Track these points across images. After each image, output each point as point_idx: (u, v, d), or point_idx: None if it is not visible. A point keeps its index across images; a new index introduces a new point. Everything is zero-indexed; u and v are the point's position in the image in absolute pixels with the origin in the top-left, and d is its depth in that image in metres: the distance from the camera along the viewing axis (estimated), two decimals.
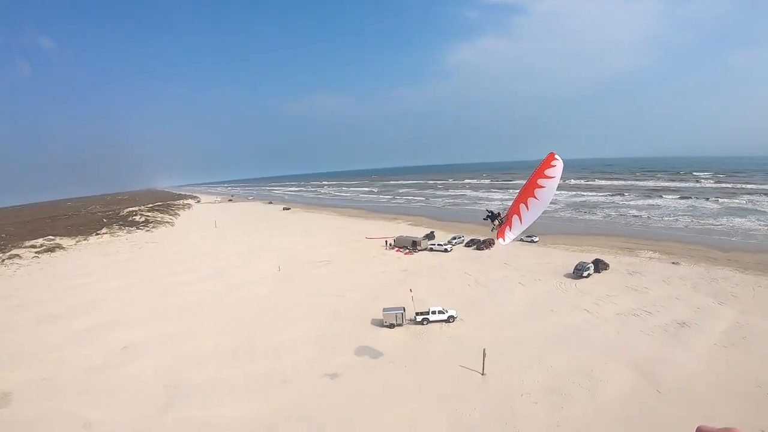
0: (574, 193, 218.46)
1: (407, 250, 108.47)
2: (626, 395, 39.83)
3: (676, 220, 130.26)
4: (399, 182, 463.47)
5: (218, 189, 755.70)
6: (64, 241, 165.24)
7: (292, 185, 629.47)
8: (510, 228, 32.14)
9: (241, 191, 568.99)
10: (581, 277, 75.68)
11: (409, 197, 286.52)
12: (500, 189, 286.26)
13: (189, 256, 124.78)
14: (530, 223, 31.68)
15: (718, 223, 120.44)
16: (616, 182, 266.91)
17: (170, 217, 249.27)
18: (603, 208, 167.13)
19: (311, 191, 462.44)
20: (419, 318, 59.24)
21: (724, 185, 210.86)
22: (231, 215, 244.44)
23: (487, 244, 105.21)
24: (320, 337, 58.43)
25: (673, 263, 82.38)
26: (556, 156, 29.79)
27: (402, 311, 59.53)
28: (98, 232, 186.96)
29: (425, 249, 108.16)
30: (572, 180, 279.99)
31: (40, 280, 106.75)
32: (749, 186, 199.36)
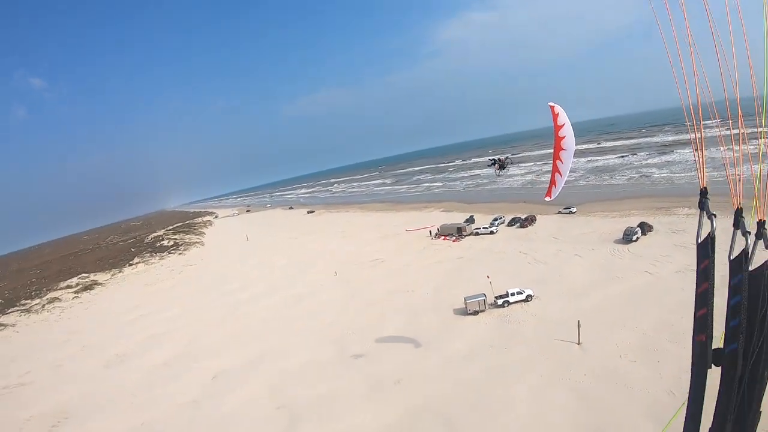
0: (588, 159, 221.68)
1: (454, 237, 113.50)
2: None
3: (696, 174, 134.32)
4: (409, 170, 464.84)
5: (228, 201, 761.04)
6: (99, 277, 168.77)
7: (301, 187, 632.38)
8: (555, 185, 36.97)
9: (254, 200, 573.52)
10: (631, 241, 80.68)
11: (427, 184, 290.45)
12: (512, 164, 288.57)
13: (236, 274, 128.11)
14: (568, 173, 36.77)
15: (739, 172, 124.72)
16: (625, 141, 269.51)
17: (197, 237, 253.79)
18: (623, 170, 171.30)
19: (324, 191, 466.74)
20: (500, 301, 64.39)
21: (735, 131, 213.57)
22: (257, 226, 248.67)
23: (529, 220, 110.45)
24: (412, 335, 62.25)
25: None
26: (552, 104, 34.40)
27: (483, 297, 64.56)
28: (131, 262, 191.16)
29: (471, 234, 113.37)
30: (582, 145, 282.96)
31: (91, 321, 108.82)
32: (760, 129, 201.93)
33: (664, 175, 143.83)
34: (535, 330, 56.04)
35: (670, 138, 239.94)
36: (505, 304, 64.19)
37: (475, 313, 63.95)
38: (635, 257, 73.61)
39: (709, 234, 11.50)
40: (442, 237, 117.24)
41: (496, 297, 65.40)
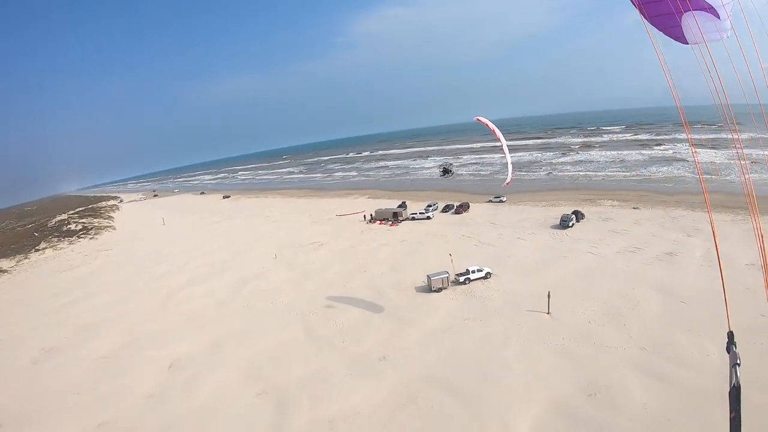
0: (501, 154, 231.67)
1: (391, 222, 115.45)
2: (663, 309, 50.83)
3: (611, 173, 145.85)
4: (317, 159, 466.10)
5: (129, 186, 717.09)
6: (3, 264, 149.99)
7: (205, 174, 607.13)
8: (510, 174, 56.96)
9: (156, 186, 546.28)
10: (567, 227, 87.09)
11: (341, 173, 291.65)
12: (422, 157, 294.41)
13: (164, 258, 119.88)
14: (510, 158, 60.06)
15: (649, 173, 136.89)
16: (535, 141, 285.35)
17: (106, 221, 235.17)
18: (539, 166, 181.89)
19: (230, 177, 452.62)
20: (461, 279, 66.69)
21: (639, 137, 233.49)
22: (171, 210, 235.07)
23: (464, 207, 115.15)
24: (381, 312, 61.44)
25: (634, 208, 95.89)
26: (478, 117, 55.72)
27: (447, 275, 66.42)
28: (37, 248, 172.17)
29: (407, 219, 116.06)
30: (495, 142, 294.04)
31: (1, 312, 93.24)
32: (660, 137, 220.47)
33: (581, 171, 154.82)
34: (503, 303, 58.47)
35: (578, 140, 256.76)
36: (467, 281, 66.44)
37: (439, 290, 65.32)
38: (575, 240, 79.52)
39: (733, 385, 10.56)
40: (378, 222, 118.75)
41: (457, 274, 67.68)
